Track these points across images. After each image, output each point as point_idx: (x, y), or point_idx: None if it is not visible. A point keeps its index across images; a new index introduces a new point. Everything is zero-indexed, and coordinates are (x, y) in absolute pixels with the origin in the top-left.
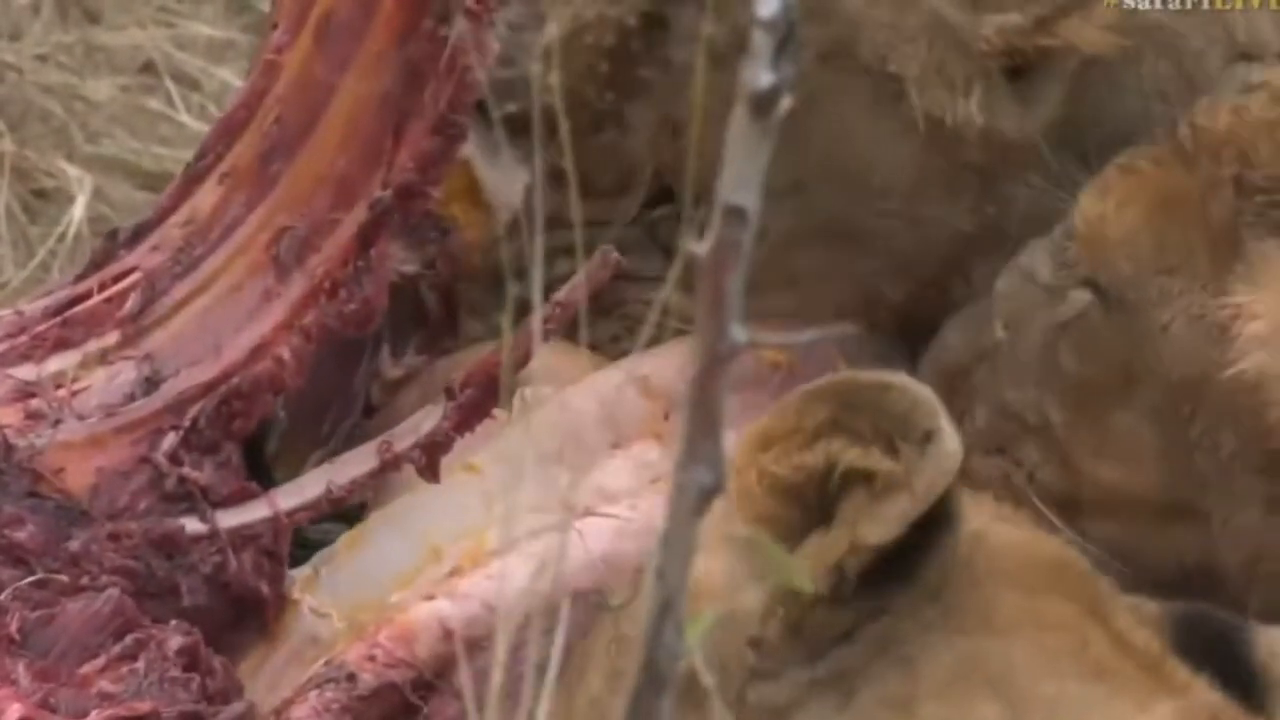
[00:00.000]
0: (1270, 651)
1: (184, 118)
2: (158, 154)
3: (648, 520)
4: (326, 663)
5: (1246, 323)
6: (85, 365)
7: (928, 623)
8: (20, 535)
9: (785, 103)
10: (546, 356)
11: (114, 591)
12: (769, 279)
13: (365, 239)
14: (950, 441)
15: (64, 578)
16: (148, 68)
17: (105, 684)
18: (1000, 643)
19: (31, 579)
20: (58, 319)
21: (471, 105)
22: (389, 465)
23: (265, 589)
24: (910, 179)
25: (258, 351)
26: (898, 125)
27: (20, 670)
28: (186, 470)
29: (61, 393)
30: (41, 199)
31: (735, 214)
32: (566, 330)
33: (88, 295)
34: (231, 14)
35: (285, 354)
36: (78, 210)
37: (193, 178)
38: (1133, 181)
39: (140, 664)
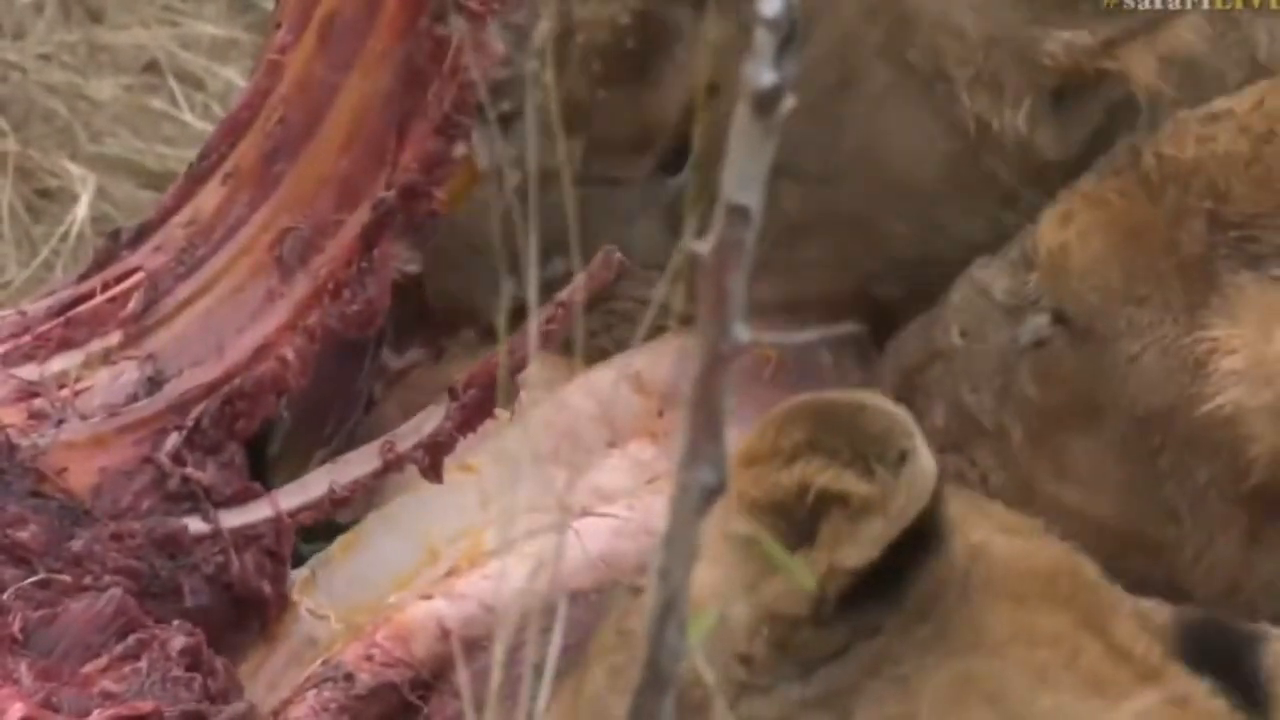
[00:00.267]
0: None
1: (187, 117)
2: (161, 153)
3: (645, 520)
4: (324, 663)
5: (1223, 357)
6: (88, 365)
7: (920, 642)
8: (23, 535)
9: (788, 102)
10: (540, 365)
11: (116, 591)
12: (767, 264)
13: (368, 239)
14: (925, 462)
15: (67, 577)
16: (151, 67)
17: (108, 683)
18: (993, 660)
19: (34, 579)
20: (61, 319)
21: (475, 105)
22: (392, 465)
23: (267, 589)
24: (936, 182)
25: (261, 352)
26: (936, 126)
27: (23, 669)
28: (189, 470)
29: (64, 393)
30: (45, 198)
31: (738, 213)
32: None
33: (91, 295)
34: (235, 13)
35: (288, 354)
36: (81, 209)
37: (196, 178)
38: (1097, 212)
39: (143, 664)
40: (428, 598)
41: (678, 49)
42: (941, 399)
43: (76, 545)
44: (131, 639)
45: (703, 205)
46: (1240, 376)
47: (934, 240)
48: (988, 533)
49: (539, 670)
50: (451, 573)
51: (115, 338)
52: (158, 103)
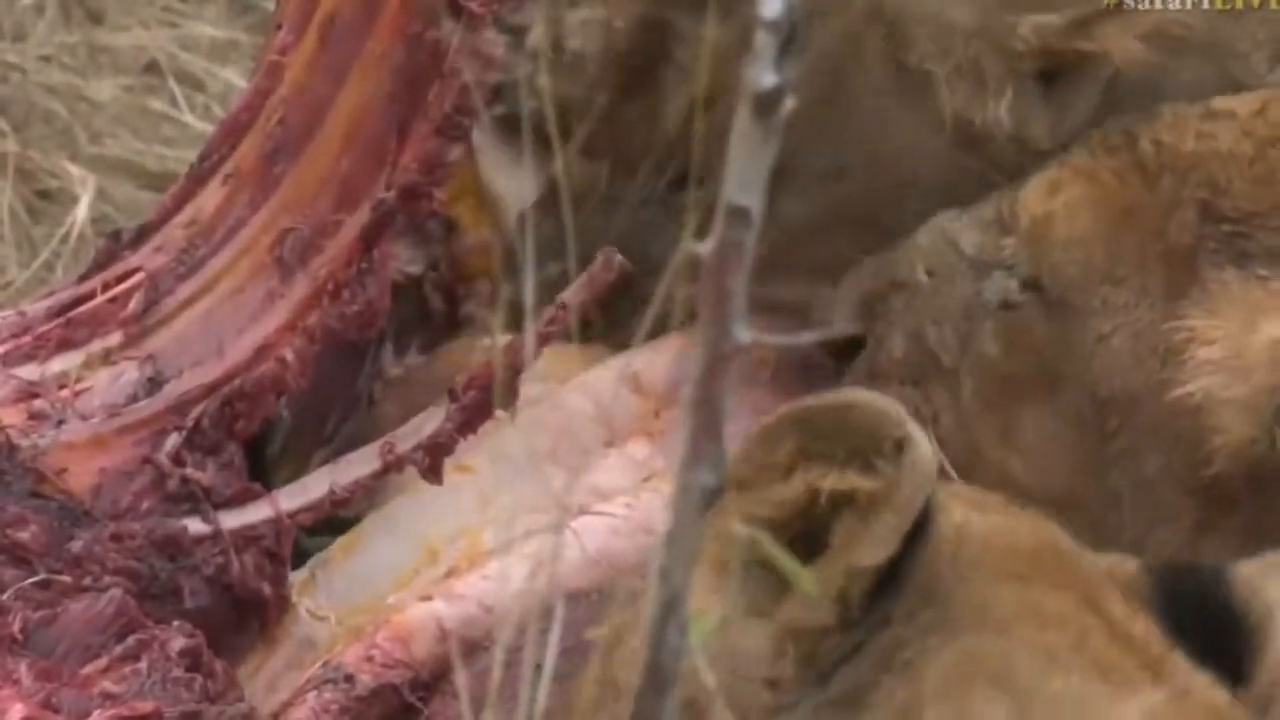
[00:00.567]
0: (1250, 589)
1: (188, 118)
2: (161, 154)
3: (642, 519)
4: (324, 664)
5: (1200, 346)
6: (88, 366)
7: (925, 625)
8: (23, 535)
9: (788, 103)
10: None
11: (116, 592)
12: (786, 265)
13: (368, 240)
14: (923, 447)
15: (67, 578)
16: (151, 68)
17: (108, 684)
18: (999, 640)
19: (34, 579)
20: (61, 319)
21: (475, 106)
22: (392, 466)
23: (267, 590)
24: (943, 177)
25: (261, 353)
26: (930, 121)
27: (23, 670)
28: (189, 471)
29: (64, 393)
30: (45, 199)
31: (738, 214)
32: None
33: (91, 296)
34: (235, 14)
35: (288, 355)
36: (81, 210)
37: (196, 179)
38: (1088, 187)
39: (143, 664)
40: (427, 599)
41: (677, 54)
42: (901, 330)
43: (76, 546)
44: (131, 640)
45: (701, 211)
46: (1216, 366)
47: None
48: (963, 511)
49: (538, 670)
50: (451, 573)
51: (115, 338)
52: (158, 104)
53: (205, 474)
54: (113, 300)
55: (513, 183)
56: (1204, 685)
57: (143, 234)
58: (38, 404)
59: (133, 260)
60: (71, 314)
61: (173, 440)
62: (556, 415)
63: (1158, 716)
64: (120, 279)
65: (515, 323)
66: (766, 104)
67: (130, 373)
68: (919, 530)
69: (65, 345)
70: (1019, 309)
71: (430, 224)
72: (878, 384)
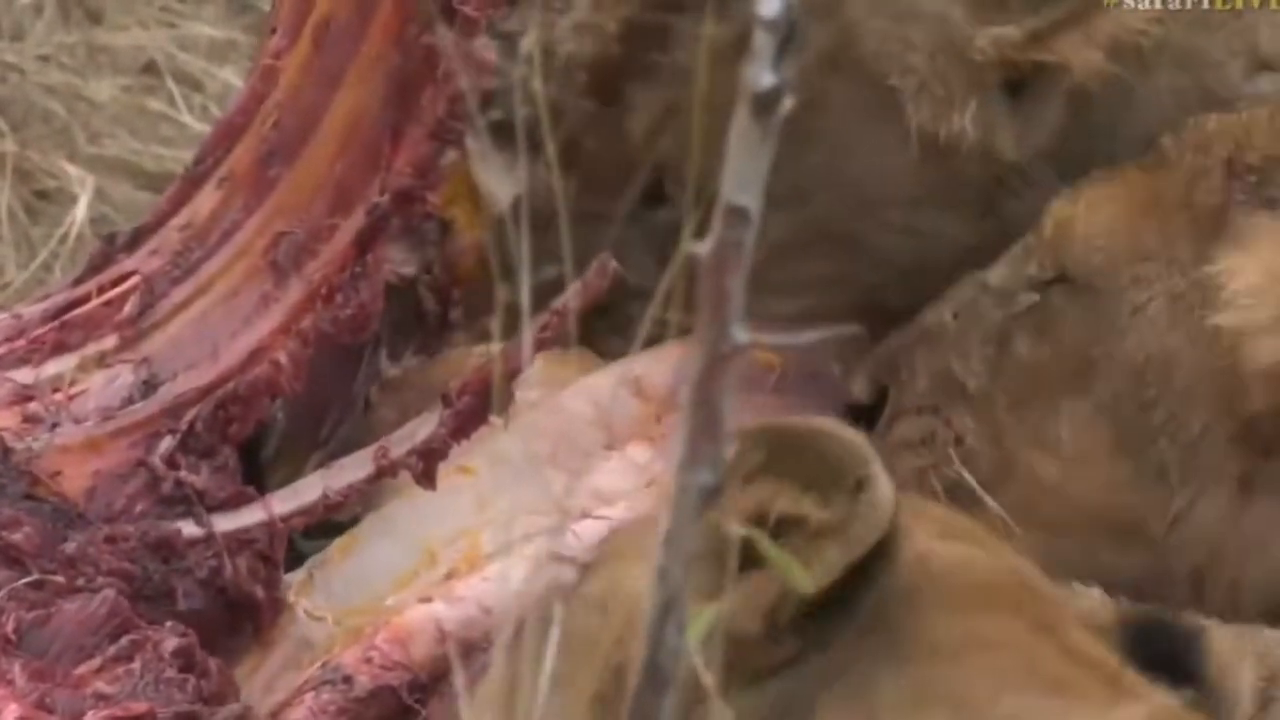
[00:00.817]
0: (1222, 665)
1: (186, 118)
2: (160, 155)
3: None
4: (322, 665)
5: (1232, 277)
6: (83, 368)
7: (870, 652)
8: (17, 537)
9: (787, 103)
10: (540, 363)
11: (110, 592)
12: (775, 283)
13: (362, 244)
14: (883, 489)
15: (60, 579)
16: (150, 68)
17: (101, 684)
18: (951, 667)
19: (28, 580)
20: (56, 322)
21: (468, 110)
22: (385, 471)
23: (260, 593)
24: (909, 191)
25: (255, 356)
26: (896, 137)
27: (16, 670)
28: (183, 474)
29: (59, 396)
30: (43, 200)
31: (737, 214)
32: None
33: (86, 299)
34: (233, 14)
35: (282, 358)
36: (80, 211)
37: (191, 181)
38: (1111, 187)
39: (136, 665)
40: (426, 600)
41: (657, 60)
42: (926, 370)
43: (70, 548)
44: (125, 640)
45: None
46: (1249, 294)
47: (921, 245)
48: (927, 540)
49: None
50: (450, 575)
51: (110, 341)
52: (156, 104)
53: (199, 477)
54: (108, 303)
55: (504, 187)
56: (1162, 694)
57: (138, 237)
58: (32, 407)
59: (128, 263)
60: (66, 317)
61: (167, 443)
62: (556, 419)
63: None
64: (115, 282)
65: (509, 328)
66: (765, 104)
67: (125, 376)
68: (871, 562)
69: (60, 348)
70: (1047, 303)
71: (424, 227)
72: (898, 421)
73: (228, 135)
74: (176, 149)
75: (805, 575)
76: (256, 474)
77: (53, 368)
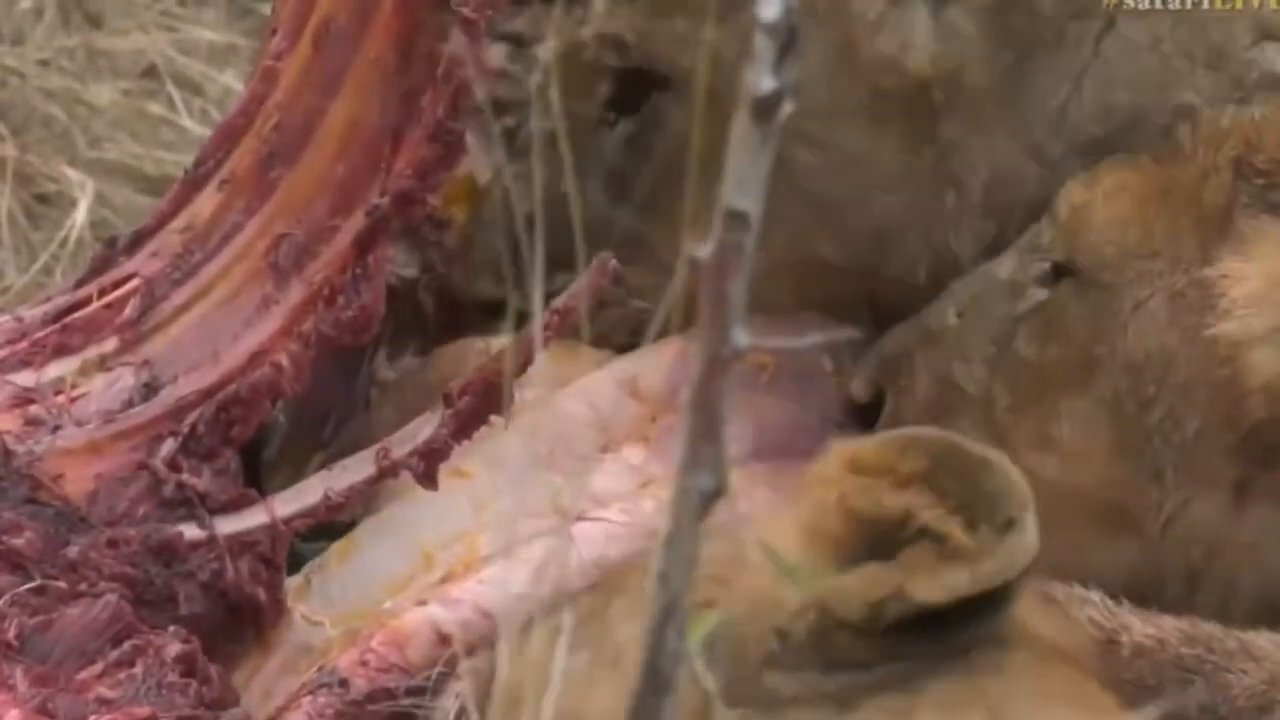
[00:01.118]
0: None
1: (186, 122)
2: (160, 158)
3: (639, 525)
4: (319, 669)
5: (1234, 284)
6: (84, 371)
7: (943, 672)
8: (18, 541)
9: (787, 107)
10: (546, 358)
11: (112, 597)
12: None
13: (363, 246)
14: (1029, 537)
15: (62, 584)
16: (150, 72)
17: (103, 689)
18: (1004, 682)
19: (30, 585)
20: (57, 325)
21: (469, 112)
22: (387, 472)
23: (262, 596)
24: (819, 100)
25: (256, 358)
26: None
27: (18, 675)
28: (185, 477)
29: (60, 399)
30: (44, 204)
31: (737, 218)
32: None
33: (87, 301)
34: (233, 18)
35: (284, 360)
36: (80, 215)
37: (192, 184)
38: (1127, 174)
39: (138, 670)
40: (423, 603)
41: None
42: (927, 374)
43: (72, 552)
44: (127, 645)
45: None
46: (1250, 301)
47: (845, 172)
48: (1029, 604)
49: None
50: (446, 578)
51: (111, 344)
52: (156, 108)
53: (201, 480)
54: (108, 306)
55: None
56: None
57: (138, 239)
58: (33, 410)
59: (128, 266)
60: (67, 320)
61: (168, 446)
62: (552, 420)
63: None
64: (116, 285)
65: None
66: (765, 107)
67: (126, 378)
68: (984, 604)
69: (61, 351)
70: (1052, 300)
71: (425, 227)
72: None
73: (228, 137)
74: (177, 153)
75: (807, 579)
76: (258, 476)
77: (54, 370)
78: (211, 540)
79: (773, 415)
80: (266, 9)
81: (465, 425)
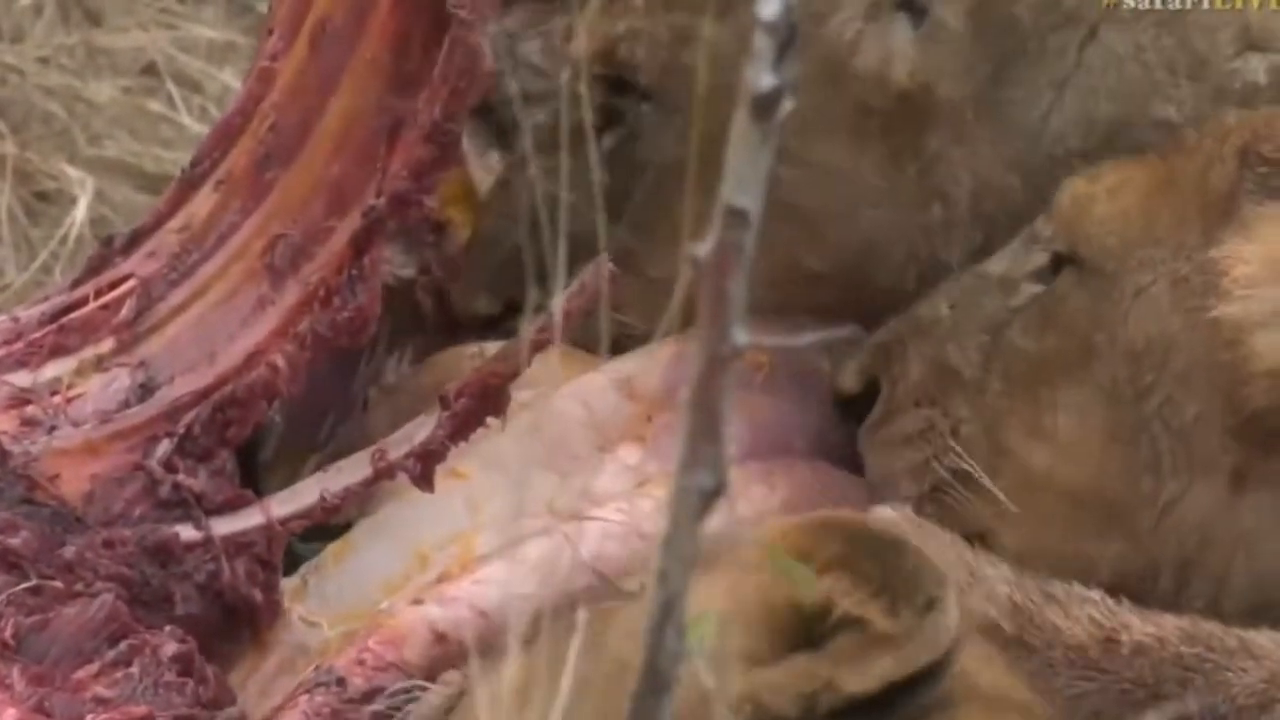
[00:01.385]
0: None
1: (185, 120)
2: (159, 156)
3: (635, 524)
4: (316, 668)
5: (1235, 266)
6: (81, 372)
7: None
8: (14, 541)
9: (786, 105)
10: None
11: (108, 597)
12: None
13: (359, 246)
14: (950, 616)
15: (58, 584)
16: (149, 70)
17: (100, 689)
18: None
19: (26, 585)
20: (53, 325)
21: (465, 113)
22: (383, 474)
23: (258, 596)
24: (803, 115)
25: (252, 359)
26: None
27: (15, 675)
28: (181, 477)
29: (57, 399)
30: (43, 201)
31: (737, 216)
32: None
33: (84, 302)
34: (233, 16)
35: (280, 361)
36: (79, 212)
37: (188, 184)
38: (1132, 170)
39: (135, 669)
40: (419, 603)
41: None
42: (920, 360)
43: (68, 552)
44: (123, 645)
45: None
46: (1249, 282)
47: (826, 186)
48: (978, 663)
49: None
50: (442, 578)
51: (108, 344)
52: (156, 105)
53: (197, 480)
54: (105, 306)
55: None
56: None
57: (135, 240)
58: (30, 410)
59: (125, 266)
60: (64, 320)
61: (164, 446)
62: (548, 421)
63: None
64: (112, 285)
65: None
66: (765, 105)
67: (122, 379)
68: (921, 678)
69: (57, 351)
70: (1053, 291)
71: (421, 228)
72: (893, 417)
73: (225, 138)
74: (176, 150)
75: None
76: (254, 477)
77: (50, 371)
78: (207, 541)
79: (769, 414)
80: (265, 7)
81: (462, 427)
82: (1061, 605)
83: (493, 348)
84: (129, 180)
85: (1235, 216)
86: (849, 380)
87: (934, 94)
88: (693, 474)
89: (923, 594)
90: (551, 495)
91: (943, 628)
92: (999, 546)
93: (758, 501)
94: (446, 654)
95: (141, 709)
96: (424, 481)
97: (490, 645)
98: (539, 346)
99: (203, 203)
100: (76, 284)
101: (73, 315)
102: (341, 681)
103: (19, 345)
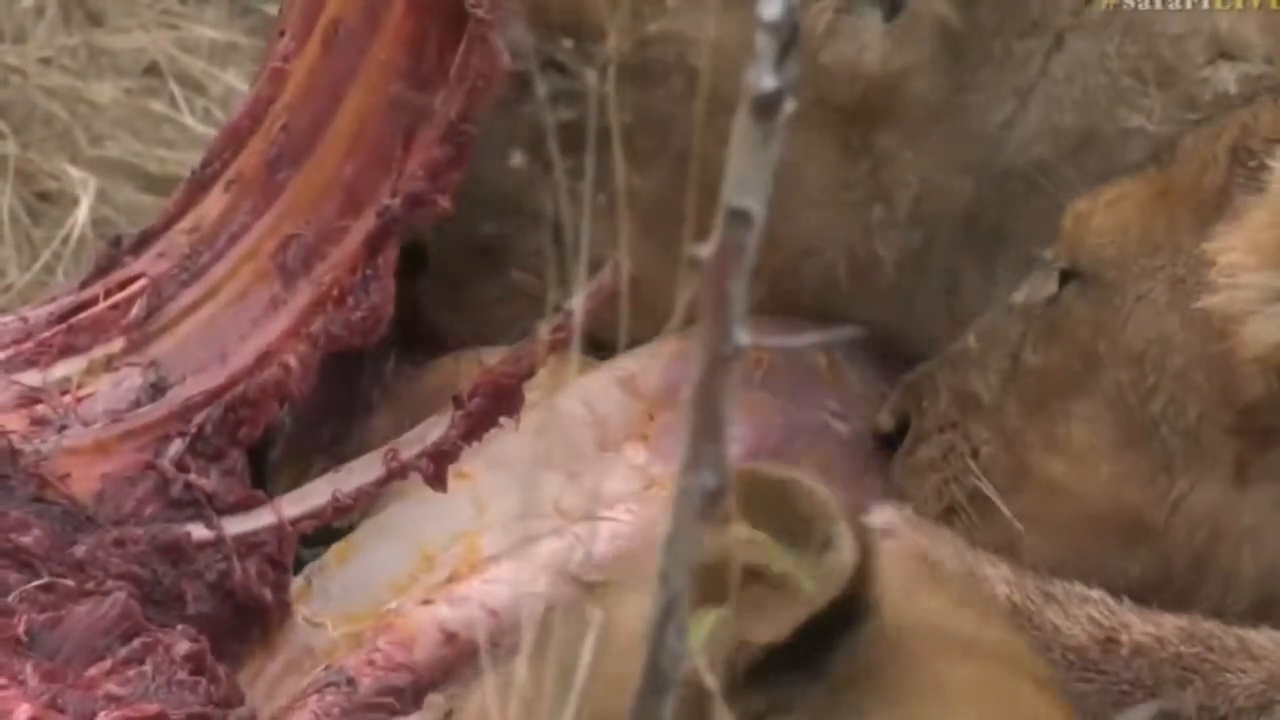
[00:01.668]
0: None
1: (188, 120)
2: (161, 157)
3: (642, 524)
4: (325, 668)
5: (1221, 252)
6: (91, 371)
7: (851, 704)
8: (26, 540)
9: (788, 105)
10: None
11: (120, 595)
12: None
13: (372, 247)
14: (846, 551)
15: (70, 583)
16: (151, 70)
17: (113, 686)
18: (933, 707)
19: (38, 582)
20: (63, 325)
21: (481, 113)
22: (395, 474)
23: (269, 596)
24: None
25: (264, 359)
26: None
27: (28, 671)
28: (192, 477)
29: (67, 399)
30: (45, 202)
31: (739, 216)
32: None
33: (93, 301)
34: (235, 16)
35: (292, 361)
36: (81, 213)
37: (199, 184)
38: (1127, 184)
39: (147, 667)
40: (429, 603)
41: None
42: (946, 390)
43: (79, 551)
44: (136, 642)
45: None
46: (1233, 270)
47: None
48: (907, 588)
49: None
50: (451, 578)
51: (118, 344)
52: (158, 106)
53: (208, 480)
54: (115, 306)
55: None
56: None
57: (145, 240)
58: (40, 410)
59: (135, 266)
60: (74, 320)
61: (176, 446)
62: (552, 420)
63: None
64: (122, 285)
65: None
66: (767, 106)
67: (133, 379)
68: (836, 622)
69: (68, 351)
70: (1057, 304)
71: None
72: (920, 445)
73: (235, 138)
74: (178, 151)
75: (809, 579)
76: (263, 477)
77: (61, 370)
78: (219, 540)
79: (767, 413)
80: (268, 7)
81: (475, 427)
82: (1061, 605)
83: (491, 353)
84: (131, 181)
85: (1228, 211)
86: (884, 420)
87: (900, 89)
88: (695, 473)
89: (819, 533)
90: (557, 495)
91: (838, 565)
92: (1024, 561)
93: None
94: (457, 654)
95: (154, 707)
96: (437, 481)
97: (500, 645)
98: (555, 346)
99: (213, 204)
100: (85, 284)
101: (82, 315)
102: (351, 681)
103: (28, 345)
